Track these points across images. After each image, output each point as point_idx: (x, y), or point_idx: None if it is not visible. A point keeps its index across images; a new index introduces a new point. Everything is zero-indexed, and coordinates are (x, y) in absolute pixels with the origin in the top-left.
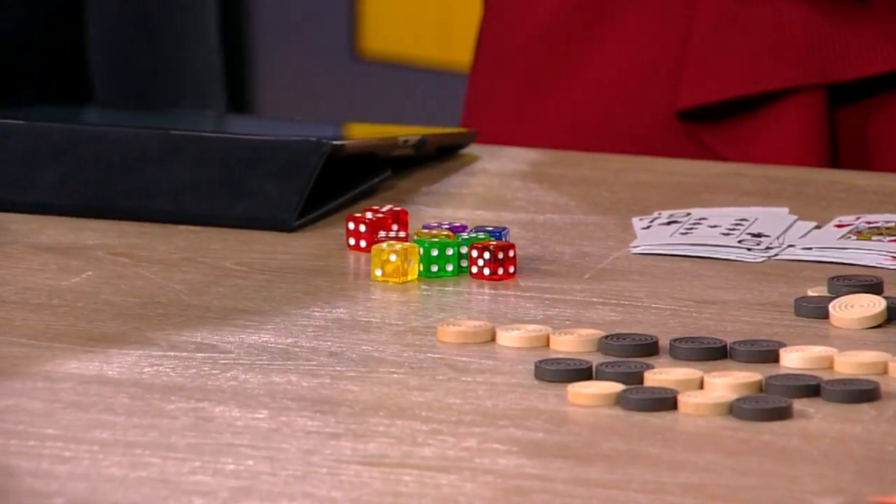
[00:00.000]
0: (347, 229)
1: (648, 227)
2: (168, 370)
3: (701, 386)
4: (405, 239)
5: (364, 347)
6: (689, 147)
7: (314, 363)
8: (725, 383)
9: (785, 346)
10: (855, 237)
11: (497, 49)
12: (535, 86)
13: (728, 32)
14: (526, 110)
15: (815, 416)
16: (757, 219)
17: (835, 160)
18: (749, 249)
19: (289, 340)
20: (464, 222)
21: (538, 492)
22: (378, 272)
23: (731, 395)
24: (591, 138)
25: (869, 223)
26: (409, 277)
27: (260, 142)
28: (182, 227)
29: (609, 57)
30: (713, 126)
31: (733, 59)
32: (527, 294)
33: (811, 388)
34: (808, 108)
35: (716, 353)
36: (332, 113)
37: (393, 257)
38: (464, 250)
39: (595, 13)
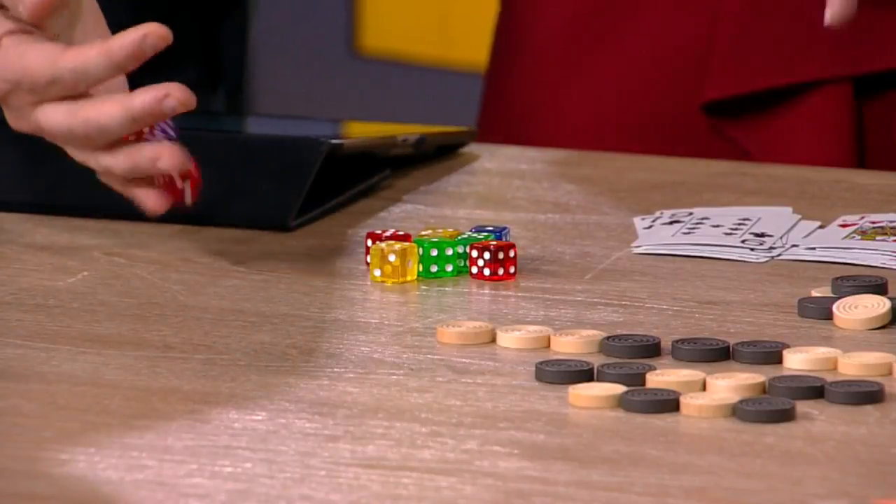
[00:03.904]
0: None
1: (650, 226)
2: (165, 371)
3: (703, 387)
4: (405, 238)
5: (363, 349)
6: (713, 141)
7: (312, 364)
8: (728, 385)
9: (788, 347)
10: (859, 237)
11: (515, 45)
12: (555, 82)
13: (755, 23)
14: (546, 108)
15: (818, 417)
16: (760, 218)
17: (862, 154)
18: (752, 249)
19: (287, 341)
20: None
21: (539, 495)
22: (377, 272)
23: (733, 397)
24: (614, 135)
25: (873, 223)
26: (409, 278)
27: (258, 140)
28: (179, 227)
29: (632, 51)
30: (738, 119)
31: (761, 49)
32: (527, 294)
33: (815, 390)
34: (835, 101)
35: (718, 354)
36: (331, 111)
37: (392, 257)
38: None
39: (617, 5)
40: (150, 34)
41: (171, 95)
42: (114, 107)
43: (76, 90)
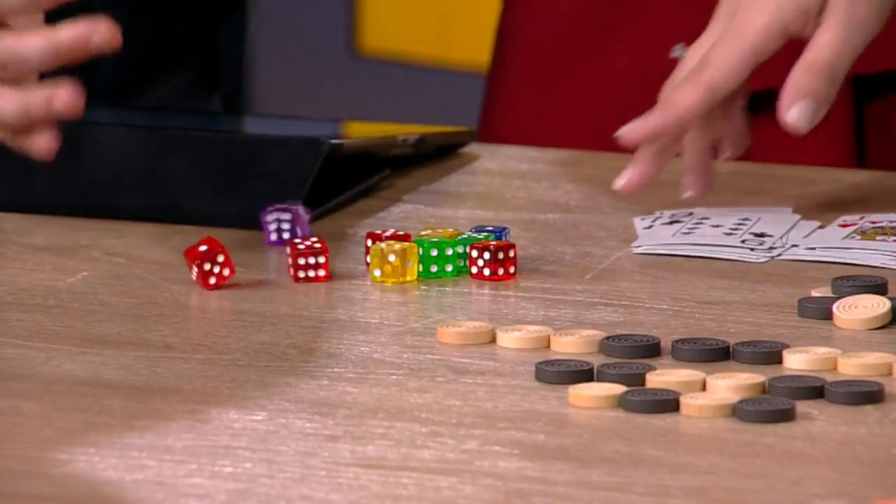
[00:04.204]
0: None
1: (650, 226)
2: (165, 371)
3: (703, 387)
4: (405, 238)
5: (363, 349)
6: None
7: (312, 364)
8: (728, 385)
9: (788, 347)
10: (859, 237)
11: (516, 45)
12: (555, 82)
13: None
14: (546, 108)
15: (818, 418)
16: (760, 218)
17: (862, 154)
18: (752, 249)
19: (287, 341)
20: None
21: (539, 495)
22: (377, 272)
23: (733, 397)
24: (613, 136)
25: (873, 223)
26: (409, 278)
27: (258, 140)
28: (179, 227)
29: (632, 51)
30: None
31: None
32: (527, 294)
33: (815, 390)
34: (834, 101)
35: (718, 354)
36: (331, 111)
37: (392, 257)
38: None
39: (617, 5)
40: (98, 31)
41: (98, 32)
42: (36, 37)
43: None
